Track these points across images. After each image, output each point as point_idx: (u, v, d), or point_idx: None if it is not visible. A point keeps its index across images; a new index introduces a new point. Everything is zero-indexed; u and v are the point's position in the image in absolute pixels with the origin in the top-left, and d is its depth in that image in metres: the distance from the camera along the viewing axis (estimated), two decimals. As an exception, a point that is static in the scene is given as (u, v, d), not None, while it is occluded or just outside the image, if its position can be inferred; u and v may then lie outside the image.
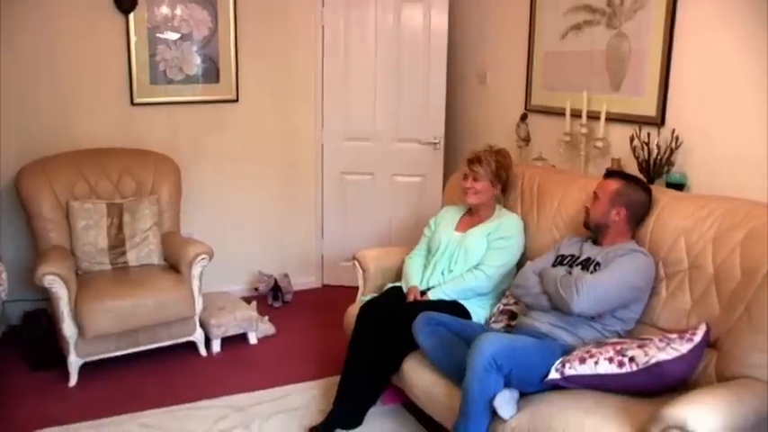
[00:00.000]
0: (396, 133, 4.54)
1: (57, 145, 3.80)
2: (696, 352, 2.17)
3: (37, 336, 3.54)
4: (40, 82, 3.82)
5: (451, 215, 3.24)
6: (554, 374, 2.26)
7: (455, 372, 2.47)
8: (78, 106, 3.90)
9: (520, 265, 3.08)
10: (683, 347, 2.16)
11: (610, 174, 2.70)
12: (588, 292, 2.38)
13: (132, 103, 4.03)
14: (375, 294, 3.21)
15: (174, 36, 4.07)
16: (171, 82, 4.12)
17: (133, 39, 3.95)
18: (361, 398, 2.86)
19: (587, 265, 2.55)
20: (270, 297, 4.48)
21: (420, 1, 4.35)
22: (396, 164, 4.58)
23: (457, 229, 3.14)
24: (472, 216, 3.15)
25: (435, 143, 4.46)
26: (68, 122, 3.90)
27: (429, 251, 3.19)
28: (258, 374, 3.45)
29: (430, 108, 4.45)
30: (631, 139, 3.08)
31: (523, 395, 2.31)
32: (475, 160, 3.11)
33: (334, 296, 4.56)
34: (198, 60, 4.18)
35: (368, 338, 2.87)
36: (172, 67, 4.10)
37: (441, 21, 4.33)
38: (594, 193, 2.65)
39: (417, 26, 4.36)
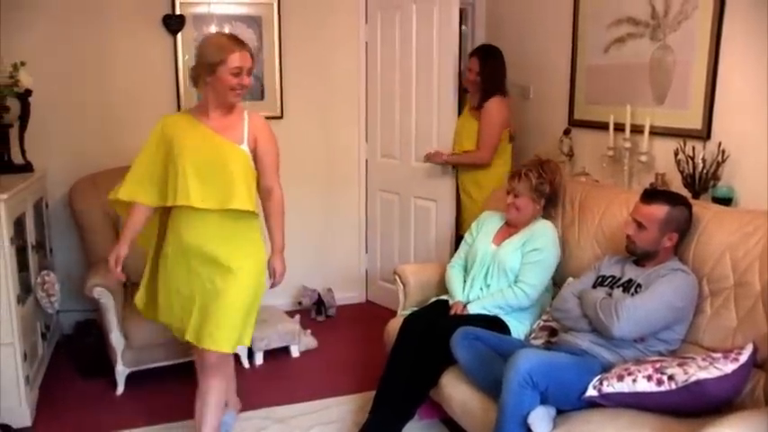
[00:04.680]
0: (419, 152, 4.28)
1: (108, 161, 3.93)
2: (741, 372, 2.11)
3: (87, 345, 3.66)
4: (92, 101, 3.97)
5: (493, 223, 3.21)
6: (591, 392, 2.22)
7: (492, 387, 2.45)
8: (129, 123, 4.03)
9: (557, 277, 3.05)
10: (727, 367, 2.10)
11: (649, 196, 2.56)
12: (628, 316, 2.33)
13: (180, 121, 4.15)
14: (416, 308, 3.21)
15: (220, 55, 4.17)
16: (217, 99, 4.22)
17: (181, 58, 4.08)
18: (397, 409, 2.86)
19: (629, 287, 2.49)
20: (313, 311, 4.52)
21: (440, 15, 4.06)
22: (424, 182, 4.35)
23: (494, 240, 3.12)
24: (510, 226, 3.13)
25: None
26: (119, 139, 4.03)
27: (467, 262, 3.18)
28: (299, 387, 3.49)
29: (440, 126, 4.16)
30: (676, 153, 3.01)
31: (561, 412, 2.28)
32: (516, 176, 3.08)
33: (376, 312, 4.56)
34: (243, 78, 4.27)
35: (408, 350, 2.88)
36: (218, 84, 4.20)
37: (449, 35, 4.01)
38: (638, 221, 2.51)
39: (432, 42, 4.11)
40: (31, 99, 3.52)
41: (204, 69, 2.44)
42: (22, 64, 3.39)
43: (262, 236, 2.65)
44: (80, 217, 3.72)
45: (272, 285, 2.69)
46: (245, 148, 2.52)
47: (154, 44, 4.04)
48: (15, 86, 3.36)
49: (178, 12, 4.02)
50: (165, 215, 2.68)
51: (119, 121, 4.03)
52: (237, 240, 2.56)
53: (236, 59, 2.41)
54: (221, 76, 2.42)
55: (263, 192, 2.64)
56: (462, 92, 4.14)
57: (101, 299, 3.28)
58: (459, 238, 3.87)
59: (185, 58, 4.09)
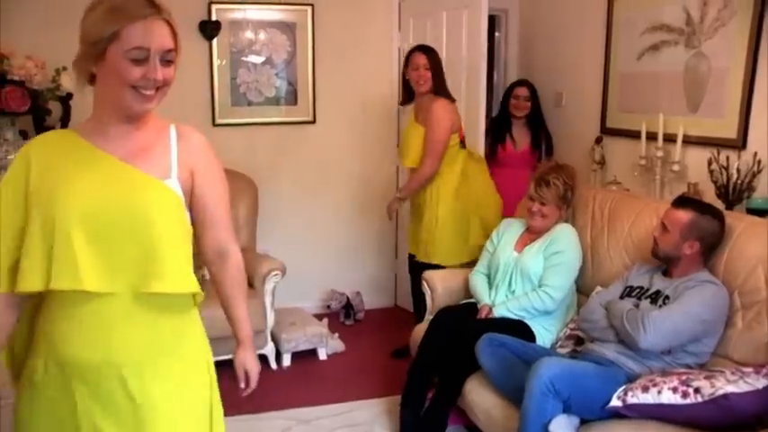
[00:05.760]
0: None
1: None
2: (772, 387, 2.06)
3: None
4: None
5: (513, 231, 3.19)
6: (615, 402, 2.19)
7: (516, 394, 2.43)
8: (164, 127, 4.12)
9: (585, 286, 3.02)
10: (759, 383, 2.05)
11: (679, 202, 2.55)
12: (655, 328, 2.30)
13: (214, 124, 4.23)
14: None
15: (255, 60, 4.25)
16: (251, 104, 4.30)
17: (216, 62, 4.16)
18: (431, 411, 2.88)
19: (656, 298, 2.46)
20: (342, 314, 4.55)
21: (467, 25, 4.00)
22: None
23: (516, 247, 3.11)
24: (531, 232, 3.11)
25: None
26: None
27: (489, 271, 3.17)
28: (325, 389, 3.52)
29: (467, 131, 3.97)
30: (709, 163, 2.97)
31: (584, 422, 2.26)
32: (542, 183, 3.04)
33: (405, 317, 4.57)
34: (277, 83, 4.34)
35: (438, 343, 2.91)
36: (252, 89, 4.28)
37: (477, 42, 3.87)
38: (663, 223, 2.51)
39: (461, 49, 4.04)
40: (71, 102, 3.63)
41: (88, 53, 1.39)
42: (64, 69, 3.49)
43: (203, 331, 1.63)
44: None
45: (244, 392, 1.72)
46: (173, 184, 1.48)
47: (189, 49, 4.03)
48: (57, 90, 3.47)
49: (214, 18, 4.10)
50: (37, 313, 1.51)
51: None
52: (167, 345, 1.50)
53: (137, 33, 1.36)
54: (113, 61, 1.36)
55: (212, 255, 1.62)
56: (404, 102, 3.87)
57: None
58: (418, 265, 3.73)
59: (219, 63, 4.17)
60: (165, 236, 1.43)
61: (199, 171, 1.54)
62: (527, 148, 4.17)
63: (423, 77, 3.56)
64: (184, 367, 1.52)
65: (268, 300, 3.66)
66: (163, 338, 1.49)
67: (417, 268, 3.70)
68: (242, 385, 1.70)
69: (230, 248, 1.64)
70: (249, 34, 4.22)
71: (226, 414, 1.63)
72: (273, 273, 3.65)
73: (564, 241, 2.99)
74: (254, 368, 1.71)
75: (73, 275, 1.37)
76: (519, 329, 2.87)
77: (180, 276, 1.46)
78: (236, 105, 4.27)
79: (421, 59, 3.56)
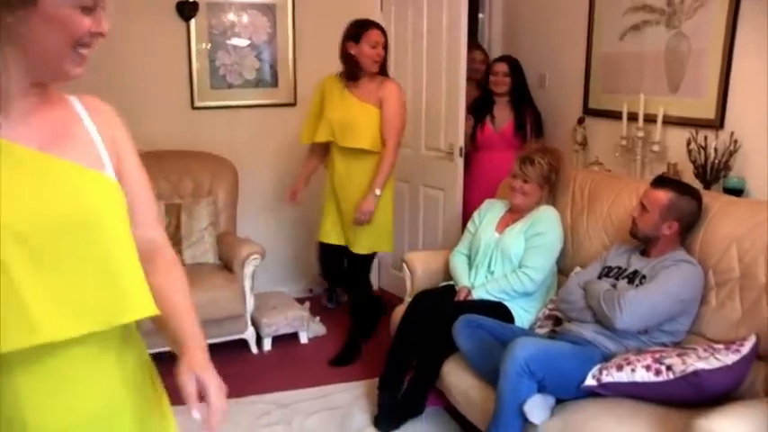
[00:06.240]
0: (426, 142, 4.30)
1: (120, 147, 3.98)
2: (742, 364, 2.08)
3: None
4: (104, 88, 3.92)
5: (495, 211, 3.19)
6: (590, 381, 2.20)
7: (493, 375, 2.43)
8: (141, 110, 4.04)
9: (565, 266, 3.02)
10: (728, 359, 2.07)
11: (659, 182, 2.55)
12: (632, 308, 2.31)
13: (193, 107, 4.18)
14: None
15: (234, 42, 4.20)
16: (231, 86, 4.25)
17: (194, 44, 4.10)
18: (408, 393, 2.89)
19: (634, 278, 2.47)
20: (324, 298, 4.54)
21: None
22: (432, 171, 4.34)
23: (497, 228, 3.10)
24: (513, 213, 3.11)
25: (450, 152, 4.04)
26: (131, 125, 3.92)
27: (470, 251, 3.16)
28: (306, 373, 3.51)
29: (447, 114, 4.05)
30: (688, 143, 2.96)
31: (559, 401, 2.26)
32: (527, 161, 3.05)
33: (388, 299, 4.55)
34: (257, 65, 4.29)
35: (417, 325, 2.90)
36: (231, 71, 4.23)
37: (457, 23, 3.84)
38: (642, 204, 2.51)
39: (441, 30, 4.01)
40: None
41: None
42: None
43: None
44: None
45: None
46: (110, 174, 1.15)
47: (166, 31, 4.05)
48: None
49: (191, -2, 4.04)
50: None
51: (131, 108, 3.92)
52: (144, 393, 1.25)
53: None
54: (53, 10, 1.04)
55: (142, 251, 1.17)
56: (355, 78, 3.47)
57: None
58: (329, 250, 3.67)
59: (197, 45, 4.10)
60: (123, 246, 1.10)
61: (122, 150, 1.20)
62: (509, 128, 4.03)
63: (380, 56, 3.39)
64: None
65: (247, 284, 3.63)
66: (139, 384, 1.20)
67: (357, 260, 3.63)
68: (195, 416, 1.16)
69: (161, 243, 1.26)
70: (231, 16, 4.15)
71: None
72: (253, 256, 3.63)
73: (546, 223, 2.98)
74: (216, 392, 1.20)
75: (25, 326, 0.98)
76: (498, 311, 2.86)
77: (146, 299, 1.12)
78: (216, 88, 4.22)
79: (380, 38, 3.38)
